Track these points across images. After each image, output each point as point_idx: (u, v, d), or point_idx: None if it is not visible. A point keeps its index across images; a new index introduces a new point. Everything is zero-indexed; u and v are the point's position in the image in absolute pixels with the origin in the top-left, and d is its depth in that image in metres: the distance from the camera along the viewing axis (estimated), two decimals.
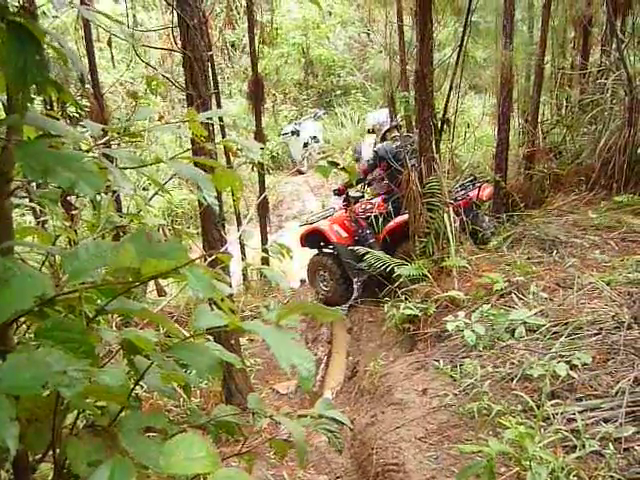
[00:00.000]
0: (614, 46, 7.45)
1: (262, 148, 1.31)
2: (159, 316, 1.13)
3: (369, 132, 7.57)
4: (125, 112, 10.19)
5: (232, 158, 6.08)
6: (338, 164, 1.65)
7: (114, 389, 0.98)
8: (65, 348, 0.88)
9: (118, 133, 1.23)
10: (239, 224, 7.68)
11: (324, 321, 5.95)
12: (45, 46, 0.86)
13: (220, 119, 6.18)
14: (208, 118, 1.37)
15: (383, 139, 6.97)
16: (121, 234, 1.60)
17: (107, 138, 1.15)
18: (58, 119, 1.22)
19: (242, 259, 6.85)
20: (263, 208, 7.69)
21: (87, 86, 5.27)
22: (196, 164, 1.32)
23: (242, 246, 7.12)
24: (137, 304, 1.00)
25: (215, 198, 1.10)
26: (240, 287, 7.53)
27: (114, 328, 1.52)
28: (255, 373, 5.38)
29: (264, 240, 7.29)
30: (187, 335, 1.12)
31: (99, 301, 1.00)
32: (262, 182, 7.91)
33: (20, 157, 0.84)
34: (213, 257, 1.37)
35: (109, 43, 5.10)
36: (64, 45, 0.89)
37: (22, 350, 0.90)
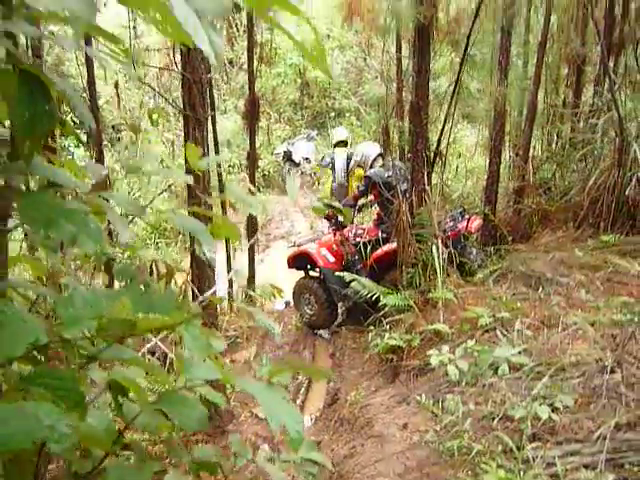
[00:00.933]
0: (607, 86, 7.56)
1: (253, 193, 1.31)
2: (150, 365, 1.12)
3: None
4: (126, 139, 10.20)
5: (224, 177, 6.09)
6: (333, 205, 1.66)
7: (98, 433, 0.97)
8: (55, 396, 0.87)
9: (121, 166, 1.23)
10: (227, 241, 7.67)
11: (315, 379, 5.93)
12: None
13: (215, 138, 6.21)
14: (205, 161, 1.36)
15: (371, 168, 7.02)
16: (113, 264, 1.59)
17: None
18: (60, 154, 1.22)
19: (229, 281, 6.83)
20: (252, 227, 7.68)
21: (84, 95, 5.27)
22: (194, 214, 1.32)
23: (229, 258, 7.07)
24: (129, 351, 0.99)
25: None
26: (224, 306, 7.50)
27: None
28: (235, 394, 5.34)
29: (251, 260, 7.28)
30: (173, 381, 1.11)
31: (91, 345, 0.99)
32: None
33: (23, 208, 0.83)
34: (205, 298, 1.36)
35: (116, 86, 5.14)
36: (72, 93, 0.88)
37: (10, 399, 0.88)
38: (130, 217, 1.26)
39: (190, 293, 3.92)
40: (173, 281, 1.51)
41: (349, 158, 9.17)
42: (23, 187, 0.94)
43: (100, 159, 5.16)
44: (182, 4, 0.60)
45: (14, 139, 0.99)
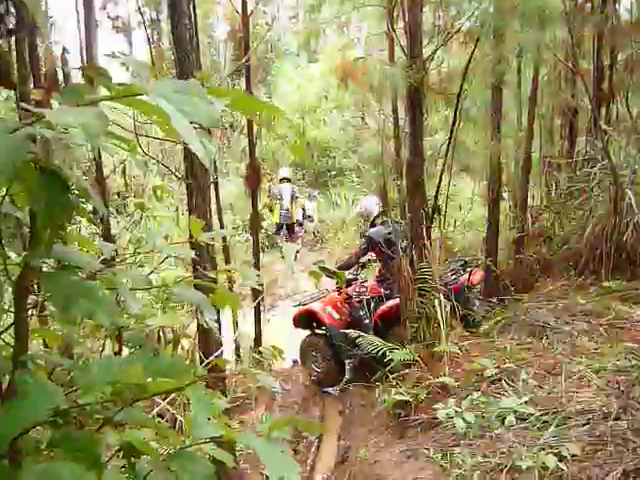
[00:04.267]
0: (599, 136, 7.76)
1: (258, 275, 1.42)
2: (161, 426, 1.21)
3: (360, 217, 8.01)
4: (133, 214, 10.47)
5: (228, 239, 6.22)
6: (329, 269, 1.77)
7: None
8: (74, 458, 0.96)
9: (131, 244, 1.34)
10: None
11: (311, 433, 5.95)
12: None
13: (218, 202, 6.37)
14: (209, 235, 1.48)
15: (372, 225, 7.14)
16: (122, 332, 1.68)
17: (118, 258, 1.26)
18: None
19: (234, 340, 6.88)
20: (257, 290, 7.77)
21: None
22: (197, 287, 1.42)
23: (235, 323, 7.15)
24: (140, 414, 1.09)
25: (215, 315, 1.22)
26: (232, 366, 7.52)
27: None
28: (245, 456, 5.33)
29: (257, 320, 7.34)
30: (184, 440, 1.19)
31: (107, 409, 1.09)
32: (257, 262, 8.02)
33: (47, 287, 0.95)
34: (209, 360, 1.45)
35: (123, 171, 5.37)
36: (87, 185, 1.01)
37: (36, 460, 0.98)
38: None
39: (197, 356, 3.99)
40: (180, 346, 1.61)
41: (293, 190, 12.47)
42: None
43: (108, 236, 5.30)
44: (179, 117, 0.73)
45: (33, 225, 1.11)
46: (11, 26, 1.26)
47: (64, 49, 3.14)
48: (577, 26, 7.61)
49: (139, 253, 1.33)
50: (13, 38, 1.24)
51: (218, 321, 4.28)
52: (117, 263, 1.26)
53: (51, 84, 1.63)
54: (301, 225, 12.91)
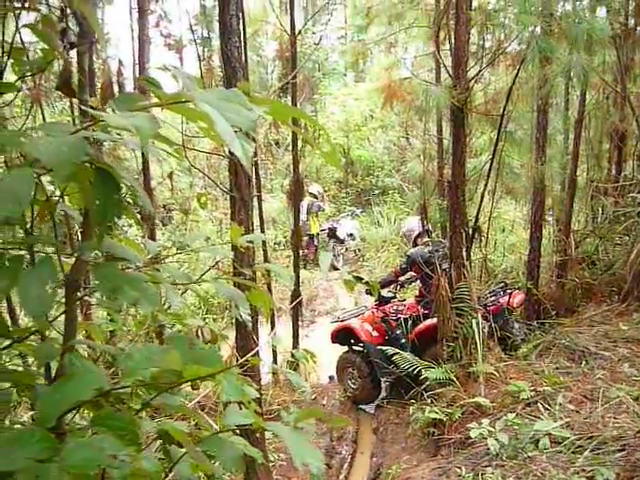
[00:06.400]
0: None
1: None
2: (193, 411, 1.29)
3: (402, 236, 8.05)
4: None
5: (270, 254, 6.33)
6: (362, 278, 1.83)
7: (151, 474, 1.13)
8: (115, 435, 1.04)
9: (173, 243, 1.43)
10: (273, 316, 7.84)
11: (334, 426, 5.98)
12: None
13: (260, 217, 6.50)
14: (249, 241, 1.56)
15: (414, 244, 7.17)
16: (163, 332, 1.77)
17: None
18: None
19: (272, 352, 6.96)
20: (296, 303, 7.86)
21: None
22: (236, 284, 1.50)
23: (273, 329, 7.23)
24: (176, 399, 1.16)
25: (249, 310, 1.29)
26: (269, 381, 7.59)
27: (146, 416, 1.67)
28: (277, 468, 5.38)
29: (295, 334, 7.41)
30: (216, 428, 1.27)
31: (144, 395, 1.17)
32: (297, 277, 8.11)
33: (96, 277, 1.03)
34: (245, 358, 1.53)
35: (170, 176, 5.55)
36: (136, 185, 1.10)
37: (78, 434, 1.06)
38: (180, 288, 1.45)
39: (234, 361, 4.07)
40: (217, 347, 1.68)
41: (310, 204, 13.35)
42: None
43: (152, 238, 5.46)
44: (222, 120, 0.81)
45: (86, 221, 1.21)
46: (73, 39, 1.37)
47: (120, 62, 3.29)
48: (627, 50, 7.56)
49: (180, 253, 1.41)
50: (75, 51, 1.34)
51: (256, 334, 4.36)
52: (161, 260, 1.35)
53: (106, 93, 1.74)
54: (311, 238, 13.61)
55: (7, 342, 1.20)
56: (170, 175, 5.39)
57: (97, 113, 0.89)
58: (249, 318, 1.30)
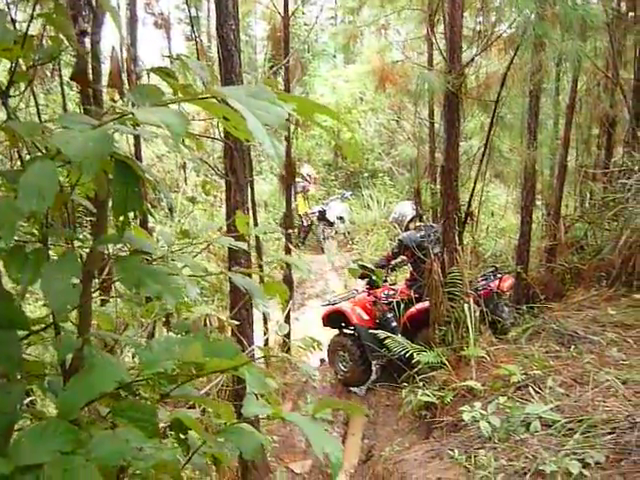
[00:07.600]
0: (636, 147, 7.69)
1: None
2: (212, 402, 1.30)
3: (393, 222, 8.06)
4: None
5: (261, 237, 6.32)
6: (368, 267, 1.84)
7: (170, 463, 1.15)
8: (136, 426, 1.05)
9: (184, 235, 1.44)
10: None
11: (352, 415, 6.04)
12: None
13: (252, 200, 6.48)
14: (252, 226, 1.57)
15: (406, 229, 7.20)
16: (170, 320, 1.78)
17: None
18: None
19: (264, 333, 6.98)
20: (287, 286, 7.86)
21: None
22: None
23: (265, 321, 7.25)
24: (195, 391, 1.18)
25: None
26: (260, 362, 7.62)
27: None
28: (270, 450, 5.43)
29: (287, 317, 7.43)
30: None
31: (164, 386, 1.18)
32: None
33: (119, 270, 1.04)
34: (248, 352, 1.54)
35: (183, 167, 5.51)
36: (157, 180, 1.10)
37: (103, 426, 1.07)
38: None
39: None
40: (224, 335, 1.69)
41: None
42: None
43: (144, 222, 5.44)
44: (253, 119, 0.81)
45: (100, 213, 1.21)
46: (85, 27, 1.36)
47: (129, 48, 3.25)
48: (619, 36, 7.58)
49: (192, 244, 1.42)
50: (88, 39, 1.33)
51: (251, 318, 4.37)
52: (175, 252, 1.36)
53: (115, 81, 1.72)
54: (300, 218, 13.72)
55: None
56: (183, 166, 5.36)
57: (125, 109, 0.89)
58: (268, 310, 1.32)
